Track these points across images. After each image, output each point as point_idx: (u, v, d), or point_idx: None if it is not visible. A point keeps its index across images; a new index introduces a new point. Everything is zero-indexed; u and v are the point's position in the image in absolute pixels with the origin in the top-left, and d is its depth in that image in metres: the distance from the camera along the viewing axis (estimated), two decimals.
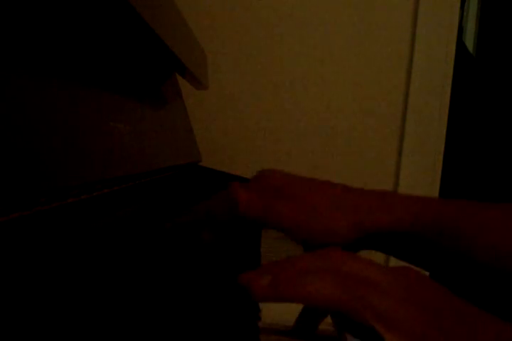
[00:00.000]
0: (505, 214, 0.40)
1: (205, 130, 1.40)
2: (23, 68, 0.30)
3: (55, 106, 0.32)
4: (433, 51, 1.38)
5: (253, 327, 0.33)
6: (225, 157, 1.41)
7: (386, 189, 1.54)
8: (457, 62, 1.43)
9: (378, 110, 1.42)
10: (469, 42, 2.14)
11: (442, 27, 1.37)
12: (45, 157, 0.29)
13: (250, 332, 0.33)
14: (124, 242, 0.42)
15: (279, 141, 1.43)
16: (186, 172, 0.85)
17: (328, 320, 0.39)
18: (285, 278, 0.30)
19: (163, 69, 0.74)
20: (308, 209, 0.42)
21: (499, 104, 1.93)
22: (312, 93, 1.43)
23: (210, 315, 0.33)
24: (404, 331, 0.28)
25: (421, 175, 1.40)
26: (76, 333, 0.26)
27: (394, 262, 1.35)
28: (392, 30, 1.40)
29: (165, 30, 0.52)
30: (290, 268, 0.31)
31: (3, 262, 0.26)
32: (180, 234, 0.47)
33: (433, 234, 0.40)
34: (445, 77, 1.38)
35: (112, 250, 0.39)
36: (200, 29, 1.36)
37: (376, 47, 1.41)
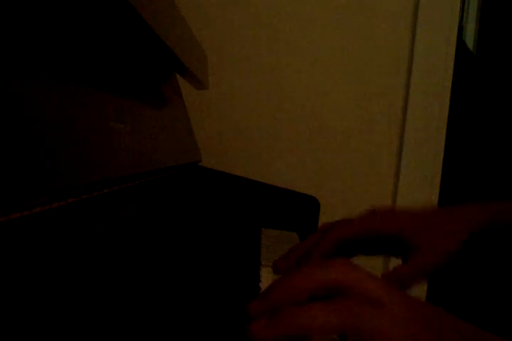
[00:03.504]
0: None
1: (205, 130, 1.40)
2: (24, 68, 0.30)
3: (55, 106, 0.32)
4: (433, 50, 1.38)
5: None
6: (225, 157, 1.41)
7: (386, 189, 1.54)
8: (457, 60, 1.43)
9: (378, 110, 1.42)
10: (469, 40, 2.14)
11: (442, 25, 1.37)
12: (45, 157, 0.29)
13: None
14: (127, 242, 0.42)
15: (279, 141, 1.43)
16: (186, 173, 0.85)
17: None
18: (282, 314, 0.30)
19: (164, 69, 0.74)
20: (423, 221, 0.50)
21: (499, 102, 1.93)
22: (312, 93, 1.43)
23: (211, 315, 0.33)
24: None
25: (421, 175, 1.40)
26: (79, 333, 0.26)
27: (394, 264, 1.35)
28: (392, 29, 1.40)
29: (165, 31, 0.52)
30: (290, 292, 0.31)
31: (4, 262, 0.26)
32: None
33: None
34: (445, 75, 1.38)
35: (114, 251, 0.39)
36: (200, 29, 1.36)
37: (376, 47, 1.41)
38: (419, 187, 1.40)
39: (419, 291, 1.39)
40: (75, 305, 0.28)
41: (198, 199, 0.77)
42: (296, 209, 0.79)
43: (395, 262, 1.37)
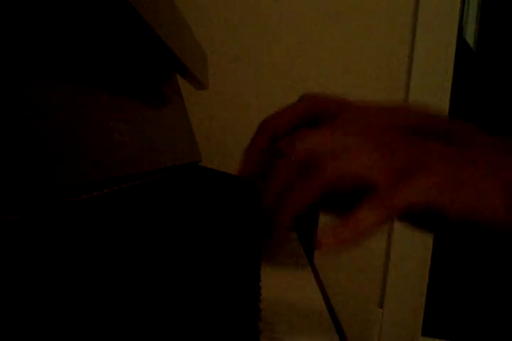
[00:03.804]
0: None
1: (205, 130, 1.40)
2: (24, 68, 0.30)
3: (55, 106, 0.32)
4: (433, 50, 1.38)
5: (253, 328, 0.33)
6: (225, 157, 1.41)
7: None
8: (458, 58, 1.43)
9: None
10: (469, 40, 2.14)
11: (442, 25, 1.37)
12: (45, 157, 0.29)
13: (250, 332, 0.33)
14: (127, 243, 0.42)
15: None
16: (187, 173, 0.85)
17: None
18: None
19: (164, 69, 0.74)
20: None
21: (500, 102, 1.93)
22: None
23: (210, 316, 0.33)
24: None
25: None
26: (79, 333, 0.26)
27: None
28: (392, 29, 1.40)
29: (165, 31, 0.52)
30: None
31: (4, 263, 0.26)
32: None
33: None
34: (445, 75, 1.38)
35: (114, 251, 0.39)
36: (200, 29, 1.36)
37: (376, 47, 1.41)
38: None
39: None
40: (75, 306, 0.28)
41: (198, 199, 0.77)
42: None
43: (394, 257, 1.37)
